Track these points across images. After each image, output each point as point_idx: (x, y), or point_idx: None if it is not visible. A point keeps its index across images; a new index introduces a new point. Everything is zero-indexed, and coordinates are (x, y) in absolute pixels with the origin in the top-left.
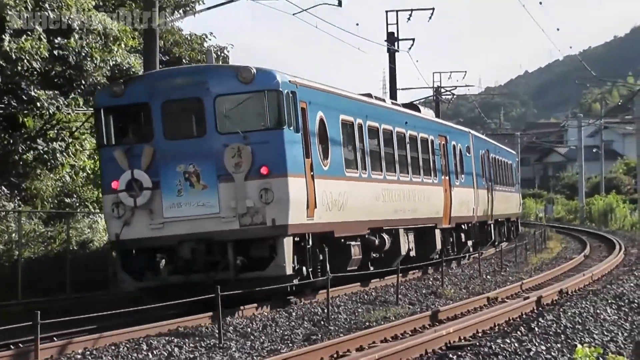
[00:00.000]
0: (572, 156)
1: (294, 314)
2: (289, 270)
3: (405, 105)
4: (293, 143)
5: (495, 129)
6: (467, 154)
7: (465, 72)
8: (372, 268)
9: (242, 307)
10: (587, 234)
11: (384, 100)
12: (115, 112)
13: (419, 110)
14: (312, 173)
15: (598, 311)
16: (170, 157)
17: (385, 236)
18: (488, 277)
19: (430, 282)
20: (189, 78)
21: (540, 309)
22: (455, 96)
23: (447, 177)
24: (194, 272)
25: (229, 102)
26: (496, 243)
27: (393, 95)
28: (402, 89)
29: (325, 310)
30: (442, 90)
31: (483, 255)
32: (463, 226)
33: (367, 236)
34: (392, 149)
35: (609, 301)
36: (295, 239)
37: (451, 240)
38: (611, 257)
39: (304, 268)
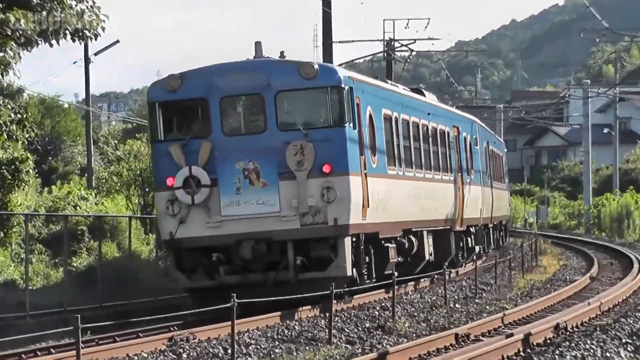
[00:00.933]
0: (575, 138)
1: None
2: (349, 271)
3: (412, 91)
4: (353, 141)
5: (470, 100)
6: (475, 147)
7: (429, 19)
8: (396, 273)
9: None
10: (595, 246)
11: (397, 87)
12: (171, 106)
13: (424, 95)
14: (365, 171)
15: (608, 354)
16: (229, 154)
17: (413, 238)
18: (457, 305)
19: (377, 312)
20: (249, 73)
21: (528, 350)
22: (414, 53)
23: (460, 174)
24: (252, 272)
25: (290, 98)
26: (487, 251)
27: (328, 52)
28: (341, 42)
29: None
30: (396, 44)
31: (461, 271)
32: (472, 229)
33: (399, 238)
34: (418, 143)
35: (623, 341)
36: (353, 239)
37: (461, 245)
38: (627, 280)
39: (354, 270)
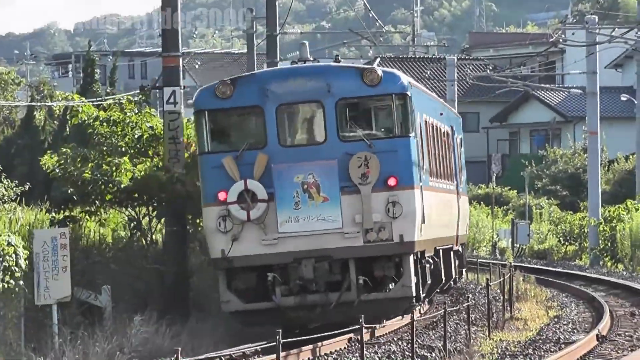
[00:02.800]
0: (574, 111)
1: None
2: (414, 291)
3: None
4: (416, 152)
5: (404, 47)
6: (461, 148)
7: None
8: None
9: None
10: (607, 286)
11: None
12: (221, 115)
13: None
14: (420, 184)
15: None
16: (287, 166)
17: (436, 258)
18: None
19: None
20: (307, 79)
21: None
22: None
23: (455, 182)
24: (311, 293)
25: (352, 105)
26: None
27: None
28: None
29: None
30: None
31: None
32: (460, 248)
33: (429, 257)
34: (437, 149)
35: None
36: (414, 257)
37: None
38: None
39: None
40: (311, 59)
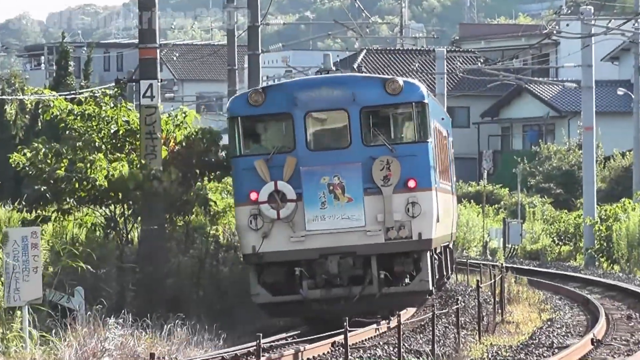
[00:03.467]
0: (569, 105)
1: None
2: (431, 285)
3: None
4: (432, 156)
5: (392, 39)
6: (452, 149)
7: None
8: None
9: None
10: (602, 288)
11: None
12: (253, 121)
13: None
14: (435, 185)
15: None
16: (314, 169)
17: (440, 255)
18: None
19: None
20: (334, 88)
21: None
22: None
23: (451, 182)
24: (335, 286)
25: (375, 113)
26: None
27: None
28: None
29: None
30: None
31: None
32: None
33: (437, 254)
34: (441, 152)
35: None
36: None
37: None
38: None
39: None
40: (334, 68)
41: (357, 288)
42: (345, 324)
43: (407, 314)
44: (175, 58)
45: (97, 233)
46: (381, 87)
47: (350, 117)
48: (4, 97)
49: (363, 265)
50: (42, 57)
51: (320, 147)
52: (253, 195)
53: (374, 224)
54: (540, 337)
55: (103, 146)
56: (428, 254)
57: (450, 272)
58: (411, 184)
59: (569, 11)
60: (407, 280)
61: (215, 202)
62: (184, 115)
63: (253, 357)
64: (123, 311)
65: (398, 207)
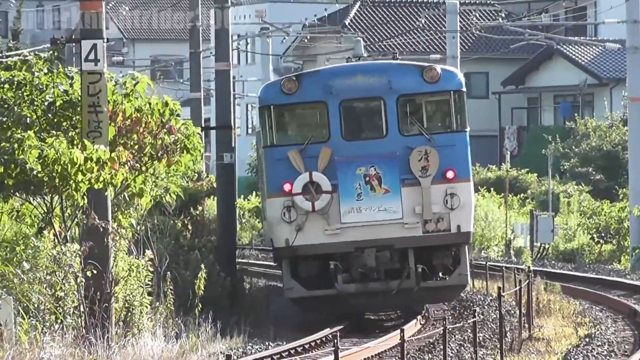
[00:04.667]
0: (611, 71)
1: None
2: (469, 279)
3: None
4: (469, 145)
5: None
6: None
7: None
8: None
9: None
10: None
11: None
12: (287, 110)
13: None
14: (471, 176)
15: None
16: (350, 159)
17: None
18: None
19: None
20: (370, 76)
21: None
22: None
23: None
24: (372, 280)
25: (412, 102)
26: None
27: None
28: None
29: None
30: None
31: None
32: None
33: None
34: None
35: None
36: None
37: None
38: None
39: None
40: (365, 55)
41: (395, 282)
42: (335, 340)
43: (412, 328)
44: (124, 13)
45: (28, 229)
46: (419, 74)
47: (387, 105)
48: None
49: (400, 259)
50: None
51: (356, 137)
52: (287, 187)
53: (412, 216)
54: (576, 357)
55: (36, 121)
56: (467, 247)
57: None
58: (450, 174)
59: None
60: (441, 274)
61: (179, 194)
62: (134, 82)
63: None
64: (61, 325)
65: (436, 199)
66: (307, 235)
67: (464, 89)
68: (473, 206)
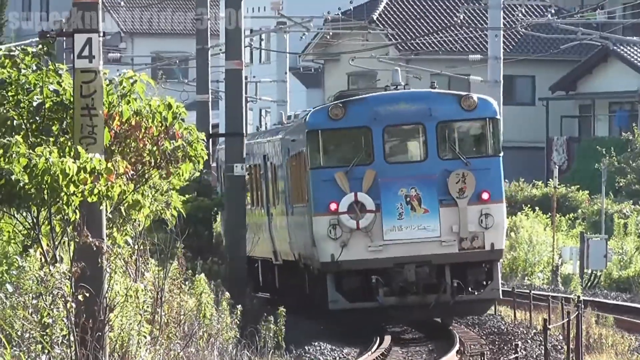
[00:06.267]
0: None
1: None
2: (501, 294)
3: None
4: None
5: None
6: None
7: None
8: None
9: None
10: None
11: None
12: (333, 134)
13: None
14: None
15: None
16: (392, 181)
17: None
18: None
19: None
20: (411, 104)
21: None
22: None
23: None
24: (411, 294)
25: (450, 128)
26: None
27: None
28: None
29: None
30: None
31: None
32: None
33: None
34: None
35: None
36: None
37: None
38: None
39: None
40: (403, 83)
41: (432, 296)
42: None
43: None
44: (122, 4)
45: (11, 248)
46: (457, 102)
47: (427, 131)
48: None
49: (437, 274)
50: None
51: (398, 160)
52: (333, 206)
53: (449, 235)
54: None
55: (23, 125)
56: (499, 263)
57: None
58: (485, 196)
59: None
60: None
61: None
62: (132, 81)
63: None
64: (49, 356)
65: (472, 219)
66: (351, 251)
67: (499, 117)
68: (506, 226)
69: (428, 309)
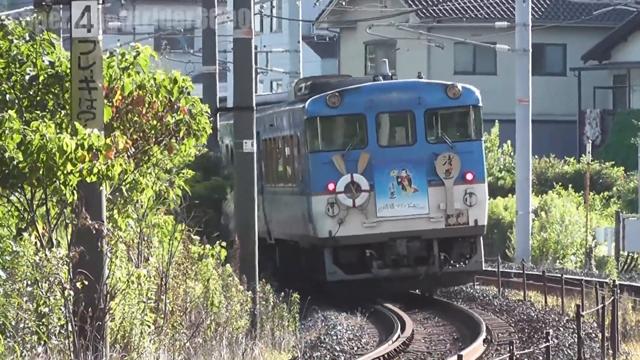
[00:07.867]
0: None
1: None
2: (483, 266)
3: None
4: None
5: None
6: None
7: None
8: None
9: None
10: None
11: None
12: (331, 120)
13: None
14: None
15: None
16: (384, 163)
17: None
18: None
19: None
20: (402, 92)
21: None
22: None
23: None
24: (403, 266)
25: (437, 115)
26: None
27: None
28: None
29: None
30: None
31: None
32: None
33: None
34: None
35: None
36: None
37: None
38: None
39: None
40: (389, 74)
41: (422, 268)
42: None
43: (474, 352)
44: None
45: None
46: (443, 91)
47: (416, 117)
48: None
49: (426, 248)
50: None
51: (390, 144)
52: (331, 186)
53: (436, 212)
54: None
55: (16, 100)
56: (481, 238)
57: None
58: (469, 176)
59: None
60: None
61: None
62: (134, 53)
63: None
64: (45, 348)
65: (457, 197)
66: (347, 227)
67: (481, 104)
68: (487, 204)
69: (418, 279)
